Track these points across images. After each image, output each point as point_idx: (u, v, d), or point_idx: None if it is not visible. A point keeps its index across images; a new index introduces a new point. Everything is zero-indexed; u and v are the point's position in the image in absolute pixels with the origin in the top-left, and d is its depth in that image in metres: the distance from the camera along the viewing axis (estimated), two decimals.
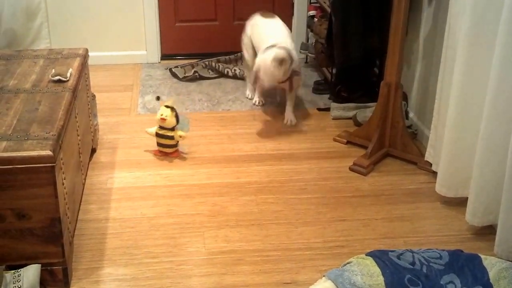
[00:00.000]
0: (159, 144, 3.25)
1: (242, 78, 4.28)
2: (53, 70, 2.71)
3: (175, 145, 3.24)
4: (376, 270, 2.10)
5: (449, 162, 2.76)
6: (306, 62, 4.59)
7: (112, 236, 2.59)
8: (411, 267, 2.13)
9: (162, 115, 3.17)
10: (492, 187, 2.49)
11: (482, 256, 2.22)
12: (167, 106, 3.20)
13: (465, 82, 2.60)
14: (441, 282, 2.10)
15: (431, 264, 2.16)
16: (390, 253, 2.21)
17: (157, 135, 3.23)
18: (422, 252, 2.23)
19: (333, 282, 2.04)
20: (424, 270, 2.13)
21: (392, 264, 2.13)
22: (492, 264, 2.18)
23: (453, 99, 2.67)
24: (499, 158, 2.43)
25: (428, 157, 3.07)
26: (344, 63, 3.73)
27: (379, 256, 2.17)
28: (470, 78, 2.58)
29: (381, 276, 2.07)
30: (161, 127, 3.21)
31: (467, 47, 2.55)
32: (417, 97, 3.50)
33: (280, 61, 3.32)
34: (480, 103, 2.51)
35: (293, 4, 4.65)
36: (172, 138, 3.21)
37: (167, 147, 3.23)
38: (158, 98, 3.28)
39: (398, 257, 2.18)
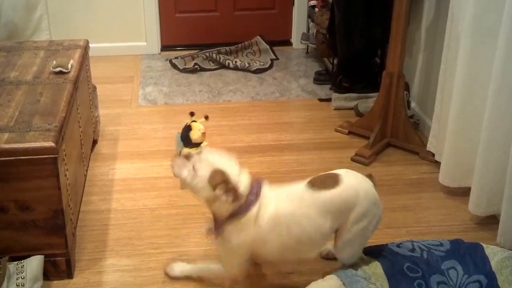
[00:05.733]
0: None
1: (243, 69, 4.27)
2: (54, 62, 2.70)
3: None
4: (375, 261, 2.11)
5: (453, 153, 2.75)
6: (306, 53, 4.58)
7: (114, 227, 2.59)
8: (411, 254, 2.14)
9: (200, 130, 2.72)
10: (495, 177, 2.48)
11: (484, 245, 2.23)
12: (194, 121, 2.76)
13: (469, 73, 2.59)
14: (442, 267, 2.11)
15: (431, 250, 2.17)
16: (389, 244, 2.21)
17: None
18: (422, 241, 2.24)
19: (336, 275, 2.05)
20: (425, 255, 2.13)
21: (391, 253, 2.14)
22: (494, 253, 2.18)
23: (456, 90, 2.66)
24: (502, 148, 2.42)
25: (430, 147, 3.06)
26: (347, 54, 3.73)
27: (377, 249, 2.18)
28: (474, 69, 2.57)
29: (380, 266, 2.08)
30: (191, 145, 2.73)
31: (471, 37, 2.53)
32: (419, 87, 3.50)
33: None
34: (484, 94, 2.50)
35: None
36: None
37: None
38: (192, 114, 2.75)
39: (398, 246, 2.19)
